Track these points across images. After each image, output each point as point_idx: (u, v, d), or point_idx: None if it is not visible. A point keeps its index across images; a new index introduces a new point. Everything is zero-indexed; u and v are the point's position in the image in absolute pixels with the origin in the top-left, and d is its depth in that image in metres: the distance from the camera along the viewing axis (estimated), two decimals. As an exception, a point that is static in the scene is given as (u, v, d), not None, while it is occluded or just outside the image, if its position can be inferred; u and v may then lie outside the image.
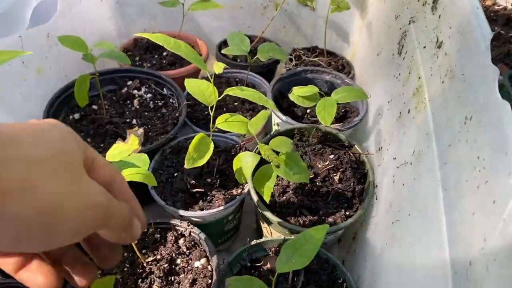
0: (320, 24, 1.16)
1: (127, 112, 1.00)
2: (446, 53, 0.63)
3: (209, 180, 0.83)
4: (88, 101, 0.93)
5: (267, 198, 0.70)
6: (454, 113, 0.55)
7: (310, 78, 1.05)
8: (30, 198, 0.28)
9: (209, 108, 0.72)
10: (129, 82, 1.06)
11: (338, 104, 0.80)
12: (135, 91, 1.04)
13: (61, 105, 0.98)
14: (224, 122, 0.73)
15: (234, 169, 0.72)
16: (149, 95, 1.04)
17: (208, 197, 0.80)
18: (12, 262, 0.34)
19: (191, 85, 0.73)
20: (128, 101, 1.03)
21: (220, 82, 1.09)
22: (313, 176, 0.83)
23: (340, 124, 0.91)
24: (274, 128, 1.00)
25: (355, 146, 0.87)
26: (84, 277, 0.38)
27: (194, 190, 0.80)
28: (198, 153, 0.67)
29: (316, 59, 1.10)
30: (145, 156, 0.67)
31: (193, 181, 0.80)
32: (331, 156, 0.87)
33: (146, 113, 1.00)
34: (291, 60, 1.11)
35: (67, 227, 0.30)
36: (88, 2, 1.07)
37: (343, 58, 1.15)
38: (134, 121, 0.97)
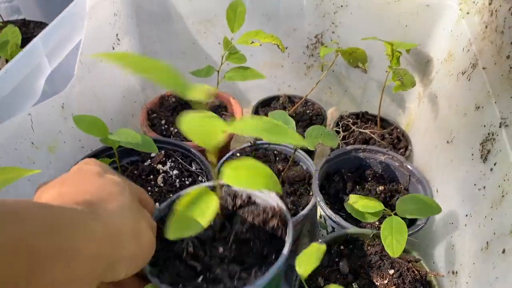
0: (371, 87, 1.01)
1: (150, 192, 0.87)
2: None
3: (221, 249, 0.57)
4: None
5: None
6: None
7: (362, 158, 0.90)
8: (137, 241, 0.42)
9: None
10: (153, 154, 0.93)
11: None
12: (160, 166, 0.91)
13: (75, 183, 0.86)
14: (232, 170, 0.44)
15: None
16: (175, 171, 0.91)
17: (211, 275, 0.54)
18: None
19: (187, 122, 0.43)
20: (151, 176, 0.91)
21: (257, 156, 0.95)
22: (370, 300, 0.68)
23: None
24: (320, 228, 0.86)
25: (421, 261, 0.72)
26: None
27: (190, 262, 0.55)
28: (191, 216, 0.44)
29: (367, 131, 0.95)
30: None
31: (191, 248, 0.55)
32: (391, 272, 0.72)
33: (171, 194, 0.87)
34: (338, 132, 0.96)
35: (151, 251, 0.45)
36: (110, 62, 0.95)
37: (397, 128, 1.00)
38: (156, 204, 0.85)
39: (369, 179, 0.89)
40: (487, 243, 0.60)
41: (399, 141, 0.97)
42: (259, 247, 0.56)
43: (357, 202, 0.65)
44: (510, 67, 0.64)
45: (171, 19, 1.03)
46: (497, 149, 0.63)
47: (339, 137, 0.96)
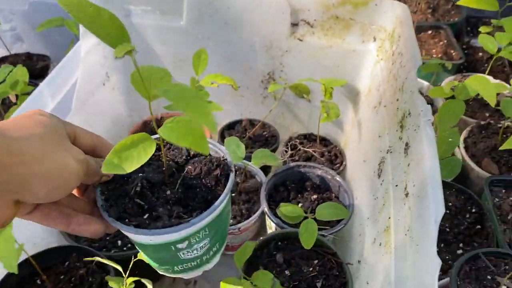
0: (315, 113, 1.24)
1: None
2: (410, 208, 0.70)
3: (168, 192, 0.61)
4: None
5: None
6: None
7: (303, 172, 1.12)
8: (46, 162, 0.43)
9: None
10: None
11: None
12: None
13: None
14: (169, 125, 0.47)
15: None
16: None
17: (155, 214, 0.58)
18: (61, 221, 0.50)
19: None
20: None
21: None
22: (297, 282, 0.91)
23: (326, 228, 0.99)
24: (268, 229, 1.08)
25: (337, 253, 0.94)
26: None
27: (137, 200, 0.59)
28: (126, 156, 0.47)
29: (310, 150, 1.18)
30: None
31: (139, 188, 0.59)
32: (316, 261, 0.94)
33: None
34: (286, 151, 1.19)
35: (70, 176, 0.45)
36: (101, 95, 1.17)
37: (336, 146, 1.22)
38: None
39: (308, 189, 1.11)
40: (375, 238, 0.83)
41: (336, 157, 1.19)
42: (204, 193, 0.59)
43: (283, 209, 0.88)
44: (397, 108, 0.87)
45: (151, 57, 1.25)
46: (385, 169, 0.86)
47: (288, 155, 1.18)
